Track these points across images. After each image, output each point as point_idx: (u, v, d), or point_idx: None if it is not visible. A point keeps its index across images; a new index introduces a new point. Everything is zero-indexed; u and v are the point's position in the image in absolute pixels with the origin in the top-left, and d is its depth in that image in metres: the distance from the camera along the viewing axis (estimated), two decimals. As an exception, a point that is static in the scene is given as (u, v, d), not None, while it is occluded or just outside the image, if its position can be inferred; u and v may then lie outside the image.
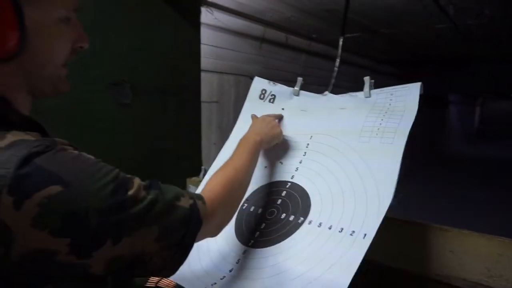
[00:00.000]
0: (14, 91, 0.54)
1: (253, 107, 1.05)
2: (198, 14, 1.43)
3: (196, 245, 0.58)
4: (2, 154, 0.46)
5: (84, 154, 0.51)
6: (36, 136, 0.50)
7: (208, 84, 2.75)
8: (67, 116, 1.08)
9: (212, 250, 0.86)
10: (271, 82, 1.09)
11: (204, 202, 0.62)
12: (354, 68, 4.14)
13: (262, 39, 3.26)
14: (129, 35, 1.21)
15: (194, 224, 0.58)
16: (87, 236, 0.46)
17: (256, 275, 0.76)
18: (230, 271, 0.80)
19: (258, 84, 1.09)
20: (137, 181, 0.53)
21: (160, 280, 0.85)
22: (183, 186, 1.34)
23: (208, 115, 2.82)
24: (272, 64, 3.47)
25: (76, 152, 0.50)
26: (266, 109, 1.03)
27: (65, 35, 0.56)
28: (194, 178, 1.33)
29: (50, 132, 0.57)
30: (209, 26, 2.50)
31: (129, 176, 0.53)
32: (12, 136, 0.48)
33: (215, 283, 0.78)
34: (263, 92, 1.08)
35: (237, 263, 0.80)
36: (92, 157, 0.52)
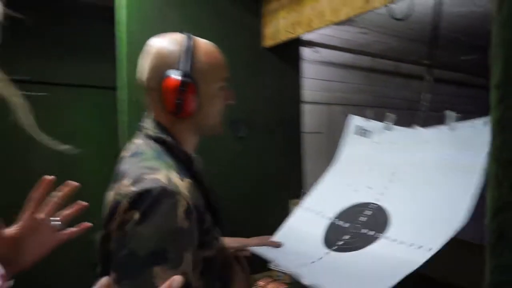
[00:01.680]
0: (186, 136, 0.85)
1: (350, 142, 1.23)
2: (298, 62, 1.66)
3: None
4: (147, 177, 0.72)
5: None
6: (187, 183, 0.76)
7: (317, 116, 2.95)
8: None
9: (298, 248, 1.07)
10: (365, 119, 1.24)
11: None
12: (476, 90, 3.84)
13: (370, 69, 3.34)
14: (245, 82, 1.50)
15: None
16: None
17: (328, 270, 0.93)
18: (313, 262, 0.98)
19: (353, 121, 1.26)
20: None
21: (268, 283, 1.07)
22: (286, 207, 1.54)
23: (317, 144, 3.00)
24: (381, 92, 3.50)
25: (168, 211, 0.69)
26: (361, 143, 1.20)
27: (221, 97, 0.86)
28: (295, 200, 1.51)
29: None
30: (316, 62, 2.73)
31: None
32: (165, 171, 0.74)
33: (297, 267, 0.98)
34: (358, 128, 1.24)
35: (319, 259, 0.98)
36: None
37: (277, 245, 1.10)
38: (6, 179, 1.85)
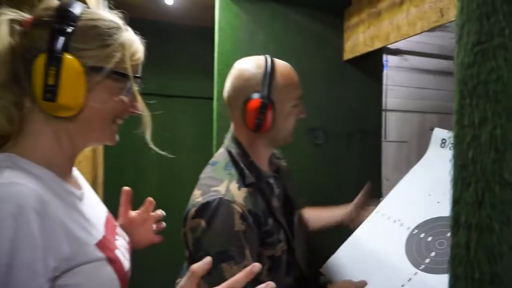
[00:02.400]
0: (260, 149, 1.00)
1: (435, 155, 1.20)
2: (379, 72, 1.69)
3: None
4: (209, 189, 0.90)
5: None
6: (243, 192, 0.90)
7: (404, 124, 2.86)
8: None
9: (378, 265, 1.02)
10: (450, 132, 1.22)
11: None
12: None
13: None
14: (324, 92, 1.60)
15: None
16: None
17: None
18: (403, 286, 0.91)
19: (439, 134, 1.22)
20: None
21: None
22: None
23: (407, 153, 2.90)
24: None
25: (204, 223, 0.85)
26: (446, 155, 1.17)
27: (294, 114, 0.99)
28: (372, 208, 1.54)
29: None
30: (405, 69, 2.66)
31: None
32: (226, 182, 0.90)
33: None
34: (443, 141, 1.20)
35: (408, 281, 0.92)
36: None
37: (362, 285, 1.00)
38: (121, 179, 2.25)
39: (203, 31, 2.03)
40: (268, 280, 0.92)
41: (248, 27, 1.50)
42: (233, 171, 0.95)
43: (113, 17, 0.65)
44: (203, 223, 0.85)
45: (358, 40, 1.49)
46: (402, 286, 0.92)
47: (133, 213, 0.92)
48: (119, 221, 0.89)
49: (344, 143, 1.64)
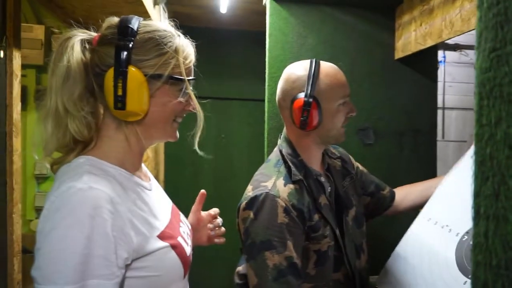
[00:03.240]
0: (311, 147, 1.07)
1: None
2: (434, 69, 1.64)
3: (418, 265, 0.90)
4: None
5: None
6: (289, 188, 0.98)
7: (461, 123, 2.71)
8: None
9: (428, 275, 0.99)
10: None
11: None
12: None
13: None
14: (375, 92, 1.59)
15: None
16: None
17: None
18: None
19: None
20: None
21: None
22: (415, 213, 1.54)
23: (457, 153, 2.75)
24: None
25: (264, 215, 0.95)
26: None
27: (342, 112, 1.03)
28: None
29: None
30: (466, 64, 2.53)
31: None
32: (274, 178, 1.00)
33: None
34: None
35: None
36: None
37: None
38: (179, 177, 2.42)
39: (255, 36, 2.12)
40: (314, 274, 0.99)
41: (297, 31, 1.55)
42: (282, 168, 1.03)
43: (166, 26, 0.73)
44: (251, 214, 0.95)
45: (410, 38, 1.47)
46: None
47: (203, 213, 1.02)
48: (189, 218, 0.99)
49: (396, 142, 1.62)
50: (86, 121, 0.69)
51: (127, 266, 0.63)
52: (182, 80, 0.71)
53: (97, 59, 0.69)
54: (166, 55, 0.69)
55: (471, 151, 1.16)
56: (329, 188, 1.10)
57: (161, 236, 0.70)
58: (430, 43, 1.34)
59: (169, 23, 0.76)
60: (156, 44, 0.69)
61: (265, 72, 1.58)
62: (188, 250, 0.77)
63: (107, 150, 0.71)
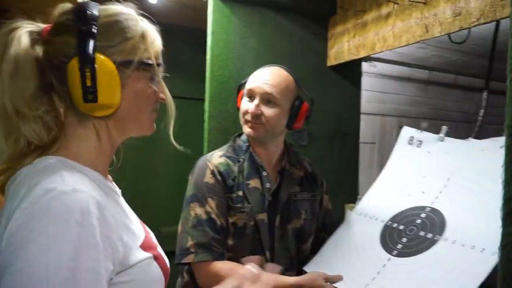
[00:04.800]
0: (254, 145, 1.17)
1: (402, 151, 1.32)
2: (358, 78, 1.81)
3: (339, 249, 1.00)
4: None
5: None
6: (223, 159, 1.19)
7: (370, 127, 3.04)
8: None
9: (355, 257, 1.12)
10: (419, 131, 1.34)
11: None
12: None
13: (427, 82, 3.36)
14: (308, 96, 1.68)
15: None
16: None
17: (398, 280, 0.97)
18: (378, 273, 1.02)
19: (407, 132, 1.36)
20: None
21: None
22: (342, 211, 1.68)
23: (369, 154, 3.09)
24: (439, 105, 3.49)
25: None
26: (413, 152, 1.29)
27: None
28: (350, 205, 1.65)
29: None
30: (373, 74, 2.83)
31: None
32: (216, 151, 1.25)
33: (367, 285, 1.01)
34: (411, 138, 1.33)
35: (383, 267, 1.04)
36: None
37: (337, 279, 1.09)
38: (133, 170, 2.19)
39: (188, 32, 2.04)
40: (232, 245, 1.12)
41: (240, 31, 1.55)
42: (226, 146, 1.23)
43: (129, 10, 0.66)
44: (189, 176, 1.18)
45: (343, 48, 1.58)
46: (378, 273, 1.02)
47: None
48: None
49: (326, 144, 1.74)
50: (43, 122, 0.59)
51: (110, 280, 0.55)
52: (152, 66, 0.65)
53: (54, 50, 0.60)
54: (133, 39, 0.63)
55: (397, 150, 1.33)
56: (268, 184, 1.18)
57: (143, 246, 0.64)
58: (363, 54, 1.47)
59: (129, 5, 0.68)
60: (121, 29, 0.62)
61: (197, 71, 1.54)
62: (167, 260, 0.71)
63: (77, 151, 0.61)
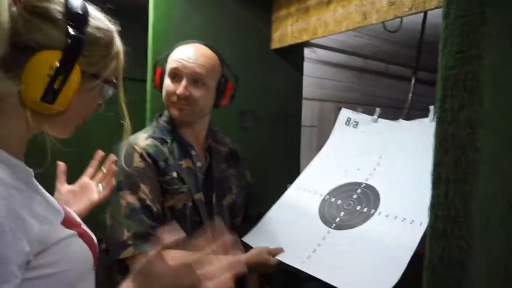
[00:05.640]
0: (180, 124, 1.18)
1: (340, 131, 1.41)
2: (301, 63, 1.86)
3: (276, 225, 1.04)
4: None
5: None
6: (149, 141, 1.14)
7: (310, 111, 3.16)
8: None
9: (296, 230, 1.17)
10: (355, 112, 1.43)
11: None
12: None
13: (362, 69, 3.56)
14: (253, 77, 1.69)
15: None
16: None
17: (337, 252, 1.04)
18: (319, 245, 1.09)
19: (345, 113, 1.45)
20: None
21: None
22: (283, 190, 1.75)
23: (309, 138, 3.21)
24: (372, 92, 3.72)
25: None
26: (350, 132, 1.38)
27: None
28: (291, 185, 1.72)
29: None
30: (313, 60, 2.93)
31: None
32: (140, 133, 1.17)
33: (309, 257, 1.07)
34: (348, 119, 1.42)
35: (323, 239, 1.11)
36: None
37: (279, 251, 1.11)
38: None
39: (133, 8, 1.93)
40: None
41: (183, 7, 1.50)
42: (149, 128, 1.17)
43: (112, 27, 0.67)
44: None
45: (287, 31, 1.62)
46: (319, 245, 1.09)
47: (69, 187, 0.93)
48: (58, 195, 0.89)
49: (269, 127, 1.78)
50: None
51: (27, 264, 0.52)
52: (114, 83, 0.66)
53: (26, 30, 0.55)
54: (109, 56, 0.64)
55: (336, 130, 1.41)
56: (199, 163, 1.18)
57: (65, 223, 0.61)
58: (305, 38, 1.51)
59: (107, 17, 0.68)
60: (105, 45, 0.63)
61: (143, 51, 1.48)
62: (94, 237, 0.69)
63: None
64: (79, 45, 0.57)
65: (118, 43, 0.67)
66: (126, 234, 0.98)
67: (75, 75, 0.58)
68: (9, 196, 0.50)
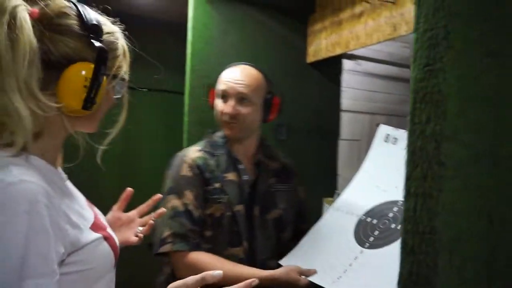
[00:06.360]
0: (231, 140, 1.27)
1: (379, 148, 1.37)
2: (338, 75, 1.85)
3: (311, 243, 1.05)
4: None
5: None
6: (200, 154, 1.24)
7: (359, 124, 3.08)
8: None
9: (330, 251, 1.15)
10: (394, 128, 1.39)
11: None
12: None
13: (415, 81, 3.40)
14: (288, 91, 1.72)
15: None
16: None
17: (369, 270, 1.01)
18: (350, 265, 1.06)
19: (384, 129, 1.40)
20: None
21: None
22: (320, 204, 1.73)
23: (357, 151, 3.13)
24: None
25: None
26: (389, 149, 1.34)
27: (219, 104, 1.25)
28: (329, 199, 1.70)
29: None
30: (359, 73, 2.88)
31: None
32: (192, 147, 1.28)
33: (340, 277, 1.05)
34: (387, 136, 1.38)
35: (355, 259, 1.07)
36: None
37: (311, 273, 1.12)
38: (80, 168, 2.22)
39: (173, 27, 2.07)
40: (210, 236, 1.16)
41: (220, 26, 1.59)
42: (202, 142, 1.28)
43: (117, 27, 0.72)
44: (167, 172, 1.23)
45: (321, 45, 1.63)
46: (350, 265, 1.07)
47: (120, 214, 0.96)
48: (108, 215, 0.93)
49: (305, 140, 1.78)
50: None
51: (63, 261, 0.60)
52: (125, 80, 0.73)
53: (54, 48, 0.61)
54: (119, 58, 0.70)
55: (374, 147, 1.38)
56: (246, 176, 1.23)
57: (93, 228, 0.68)
58: (338, 51, 1.51)
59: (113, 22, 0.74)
60: (115, 48, 0.69)
61: (182, 65, 1.58)
62: (117, 240, 0.75)
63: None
64: (105, 53, 0.63)
65: (122, 41, 0.72)
66: (166, 233, 1.10)
67: (103, 82, 0.64)
68: (50, 205, 0.57)
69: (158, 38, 2.29)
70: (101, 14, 0.71)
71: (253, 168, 1.27)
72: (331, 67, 1.78)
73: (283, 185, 1.32)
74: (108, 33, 0.68)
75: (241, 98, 1.19)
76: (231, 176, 1.21)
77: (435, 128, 0.40)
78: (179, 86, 1.64)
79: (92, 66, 0.63)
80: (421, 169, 0.41)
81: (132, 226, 0.95)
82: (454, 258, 0.40)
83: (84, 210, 0.70)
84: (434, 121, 0.40)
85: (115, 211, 0.94)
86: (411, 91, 0.43)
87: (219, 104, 1.22)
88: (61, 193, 0.65)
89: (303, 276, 1.10)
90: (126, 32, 0.76)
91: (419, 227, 0.41)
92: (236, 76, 1.20)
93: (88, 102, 0.62)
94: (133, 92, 2.35)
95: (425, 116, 0.41)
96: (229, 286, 0.67)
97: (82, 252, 0.63)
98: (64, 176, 0.74)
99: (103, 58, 0.63)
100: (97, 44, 0.63)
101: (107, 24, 0.70)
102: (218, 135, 1.27)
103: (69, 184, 0.75)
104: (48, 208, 0.57)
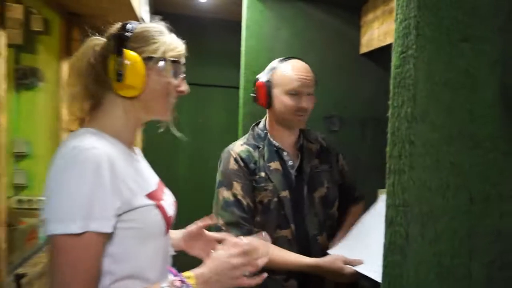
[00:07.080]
0: (272, 125, 1.34)
1: None
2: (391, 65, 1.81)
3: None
4: None
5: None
6: (243, 147, 1.32)
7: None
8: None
9: (375, 240, 1.17)
10: None
11: None
12: None
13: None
14: (341, 83, 1.74)
15: None
16: None
17: None
18: None
19: None
20: None
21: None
22: (374, 195, 1.72)
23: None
24: None
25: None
26: None
27: (290, 101, 1.27)
28: (383, 190, 1.68)
29: None
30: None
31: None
32: (238, 141, 1.36)
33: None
34: None
35: None
36: None
37: (356, 263, 1.14)
38: (157, 156, 2.49)
39: (232, 25, 2.21)
40: (260, 221, 1.25)
41: (272, 23, 1.66)
42: (246, 136, 1.36)
43: (158, 26, 0.88)
44: (218, 164, 1.33)
45: (373, 35, 1.61)
46: None
47: (193, 231, 1.06)
48: (184, 233, 1.06)
49: (358, 130, 1.78)
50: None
51: (118, 217, 0.74)
52: (170, 64, 0.84)
53: (105, 49, 0.83)
54: (156, 44, 0.84)
55: None
56: (291, 162, 1.31)
57: (149, 196, 0.82)
58: (389, 40, 1.49)
59: (163, 24, 0.89)
60: (148, 36, 0.84)
61: (239, 61, 1.69)
62: (170, 212, 0.89)
63: (105, 123, 0.82)
64: (123, 39, 0.81)
65: (166, 36, 0.86)
66: (220, 222, 1.22)
67: (132, 59, 0.79)
68: (112, 168, 0.74)
69: (218, 36, 2.46)
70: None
71: (297, 153, 1.34)
72: (384, 57, 1.75)
73: (325, 165, 1.38)
74: (141, 28, 0.84)
75: (309, 93, 1.28)
76: (274, 165, 1.29)
77: (407, 110, 0.44)
78: (236, 82, 1.76)
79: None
80: (397, 148, 0.45)
81: (208, 246, 1.04)
82: (427, 231, 0.43)
83: (144, 181, 0.85)
84: (406, 104, 0.44)
85: (195, 228, 1.05)
86: (391, 77, 0.47)
87: (289, 100, 1.26)
88: (125, 163, 0.81)
89: (349, 266, 1.13)
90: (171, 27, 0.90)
91: (396, 200, 0.45)
92: (306, 74, 1.28)
93: (118, 75, 0.79)
94: (202, 88, 2.59)
95: (401, 99, 0.45)
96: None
97: (135, 212, 0.79)
98: (137, 153, 0.90)
99: (119, 42, 0.81)
100: (116, 36, 0.82)
101: (145, 24, 0.86)
102: (260, 127, 1.36)
103: (141, 161, 0.91)
104: (109, 171, 0.73)
